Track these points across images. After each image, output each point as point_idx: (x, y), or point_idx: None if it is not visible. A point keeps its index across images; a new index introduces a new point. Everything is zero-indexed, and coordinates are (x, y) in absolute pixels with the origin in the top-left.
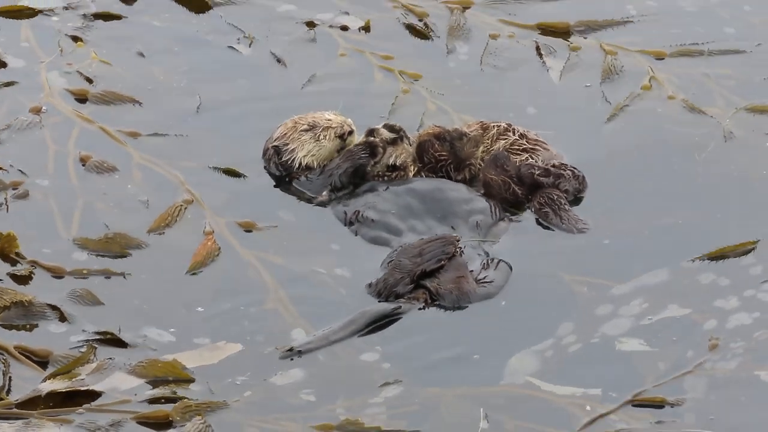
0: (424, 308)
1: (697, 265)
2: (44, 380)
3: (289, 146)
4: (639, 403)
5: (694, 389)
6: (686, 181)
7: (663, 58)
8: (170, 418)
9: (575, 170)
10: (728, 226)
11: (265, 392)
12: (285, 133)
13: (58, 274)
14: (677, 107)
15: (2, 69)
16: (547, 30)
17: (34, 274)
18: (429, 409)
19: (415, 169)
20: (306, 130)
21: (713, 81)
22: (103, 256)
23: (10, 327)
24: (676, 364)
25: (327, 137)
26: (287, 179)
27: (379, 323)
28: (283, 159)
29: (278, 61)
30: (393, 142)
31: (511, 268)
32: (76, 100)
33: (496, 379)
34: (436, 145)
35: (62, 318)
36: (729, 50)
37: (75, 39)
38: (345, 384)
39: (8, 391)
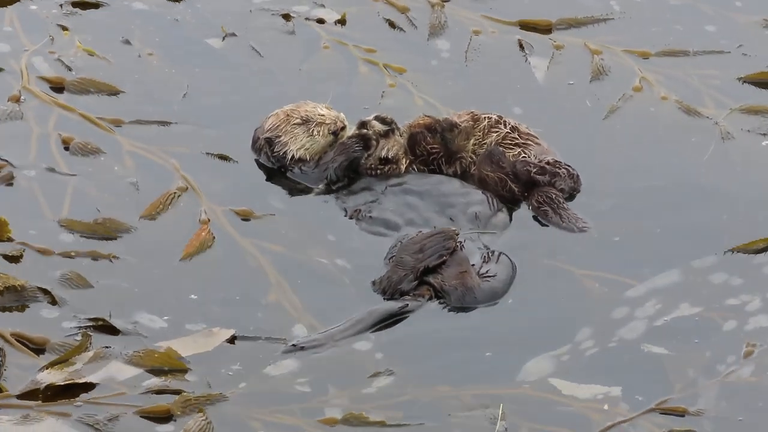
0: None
1: (708, 264)
2: (42, 369)
3: (281, 138)
4: (661, 412)
5: (708, 395)
6: (689, 182)
7: (648, 58)
8: (171, 413)
9: (570, 168)
10: (734, 227)
11: (261, 383)
12: (277, 125)
13: (47, 254)
14: (671, 108)
15: None
16: (528, 26)
17: (23, 254)
18: (438, 408)
19: (407, 161)
20: (299, 124)
21: (699, 82)
22: (90, 238)
23: (2, 310)
24: (700, 368)
25: (320, 133)
26: (281, 170)
27: (385, 322)
28: (275, 151)
29: (260, 54)
30: (385, 135)
31: (512, 262)
32: (52, 88)
33: (508, 380)
34: (428, 138)
35: (53, 302)
36: (713, 51)
37: (63, 28)
38: (340, 375)
39: (4, 379)
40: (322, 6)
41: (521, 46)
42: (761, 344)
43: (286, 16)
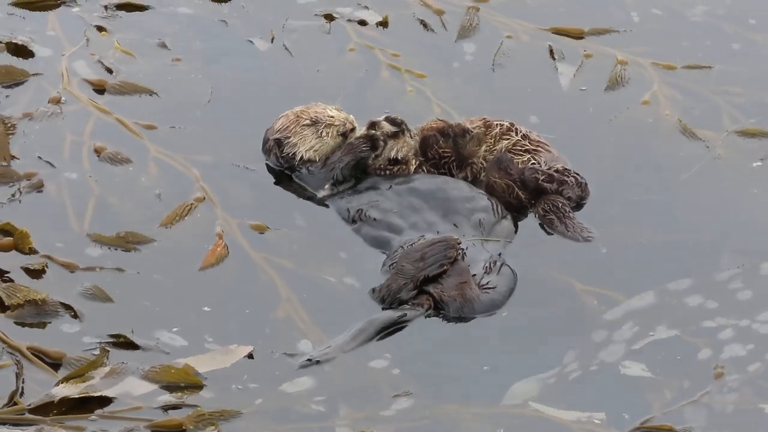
0: (428, 315)
1: (685, 286)
2: (57, 384)
3: (290, 140)
4: (646, 430)
5: (695, 420)
6: (676, 200)
7: (674, 70)
8: (184, 427)
9: (578, 177)
10: (718, 247)
11: (276, 400)
12: (287, 126)
13: (71, 269)
14: (672, 125)
15: (31, 58)
16: (561, 33)
17: (47, 268)
18: (441, 424)
19: (417, 162)
20: (308, 125)
21: (721, 98)
22: (116, 249)
23: (23, 325)
24: (680, 391)
25: (329, 134)
26: (288, 171)
27: (386, 331)
28: (284, 152)
29: (290, 54)
30: (394, 136)
31: (514, 273)
32: (94, 90)
33: (497, 399)
34: (441, 142)
35: (74, 316)
36: (738, 68)
37: (99, 29)
38: (354, 393)
39: (21, 394)
40: (366, 8)
41: (550, 53)
42: (737, 369)
43: (329, 17)
